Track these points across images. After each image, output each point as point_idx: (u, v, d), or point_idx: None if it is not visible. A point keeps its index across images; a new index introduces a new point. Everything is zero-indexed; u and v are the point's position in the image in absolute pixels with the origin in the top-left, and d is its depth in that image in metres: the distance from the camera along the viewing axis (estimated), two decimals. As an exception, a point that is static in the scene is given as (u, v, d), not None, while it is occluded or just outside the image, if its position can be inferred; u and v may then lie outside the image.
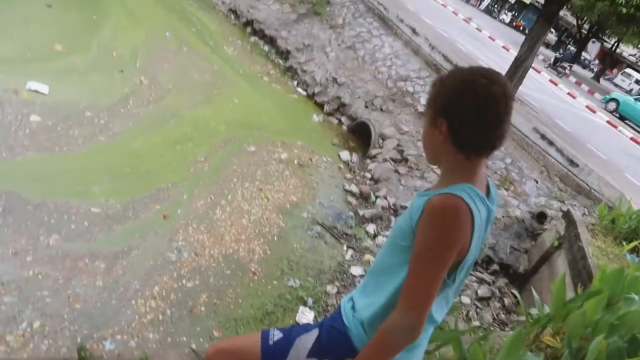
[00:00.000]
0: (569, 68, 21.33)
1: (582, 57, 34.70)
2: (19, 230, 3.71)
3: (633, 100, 18.19)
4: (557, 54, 24.03)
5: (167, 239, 4.37)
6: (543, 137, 7.98)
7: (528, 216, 6.71)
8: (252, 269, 4.55)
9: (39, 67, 5.71)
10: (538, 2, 40.51)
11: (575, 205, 6.85)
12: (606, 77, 37.51)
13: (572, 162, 7.52)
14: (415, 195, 1.42)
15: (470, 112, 1.28)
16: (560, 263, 5.22)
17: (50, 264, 3.61)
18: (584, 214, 6.63)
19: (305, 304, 4.44)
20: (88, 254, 3.83)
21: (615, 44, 34.56)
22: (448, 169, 1.37)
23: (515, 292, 5.41)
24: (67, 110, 5.25)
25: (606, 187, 7.08)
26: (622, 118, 17.96)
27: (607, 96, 19.54)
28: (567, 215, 5.83)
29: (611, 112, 17.89)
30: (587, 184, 7.23)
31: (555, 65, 21.76)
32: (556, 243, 5.58)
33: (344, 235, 5.77)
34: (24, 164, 4.32)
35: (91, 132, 5.14)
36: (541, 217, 6.65)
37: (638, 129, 17.58)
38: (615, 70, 43.61)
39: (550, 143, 7.84)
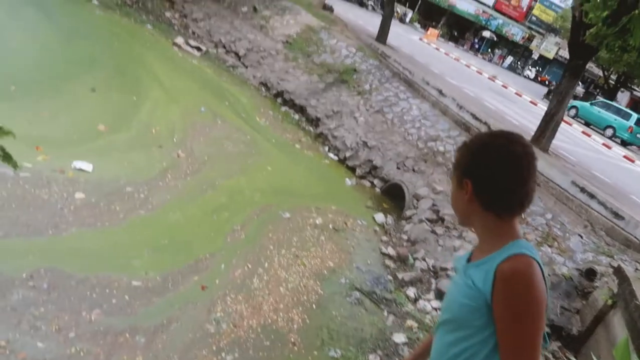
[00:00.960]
0: None
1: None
2: (62, 306, 3.76)
3: (588, 104, 21.69)
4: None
5: (206, 311, 4.34)
6: (583, 190, 7.76)
7: (576, 273, 6.39)
8: (292, 340, 4.43)
9: (84, 147, 6.02)
10: (561, 57, 40.90)
11: (625, 260, 6.51)
12: (640, 125, 36.67)
13: (617, 215, 7.24)
14: (465, 266, 1.38)
15: (493, 171, 1.31)
16: (617, 323, 4.89)
17: (92, 340, 3.61)
18: (637, 269, 6.27)
19: (348, 376, 4.26)
20: (128, 329, 3.83)
21: (646, 92, 34.07)
22: (487, 230, 1.37)
23: (572, 357, 5.08)
24: (109, 187, 5.45)
25: (657, 239, 6.75)
26: (587, 124, 20.94)
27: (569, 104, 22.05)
28: (618, 271, 5.53)
29: (573, 117, 20.89)
30: (635, 237, 6.90)
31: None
32: (610, 302, 5.26)
33: (384, 300, 5.61)
34: (68, 240, 4.45)
35: (131, 207, 5.29)
36: (590, 274, 6.32)
37: (596, 129, 20.54)
38: (648, 118, 42.63)
39: (592, 196, 7.61)
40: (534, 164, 1.31)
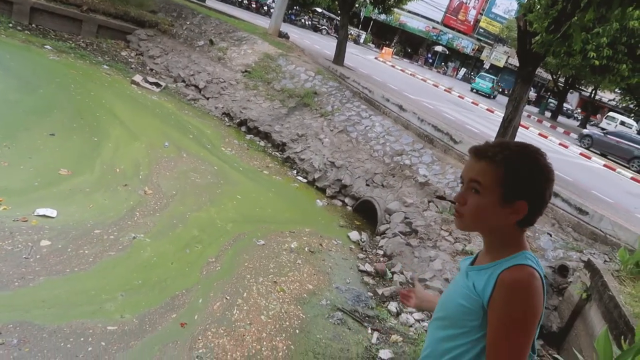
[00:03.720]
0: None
1: (565, 108, 35.80)
2: (35, 360, 3.59)
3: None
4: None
5: (187, 348, 4.22)
6: (546, 189, 8.00)
7: (550, 271, 6.55)
8: (278, 368, 4.35)
9: (46, 192, 5.85)
10: (511, 65, 42.56)
11: (594, 253, 6.72)
12: (591, 122, 38.49)
13: (581, 211, 7.49)
14: (468, 269, 1.42)
15: (547, 194, 1.36)
16: (594, 316, 5.02)
17: (70, 392, 3.45)
18: (606, 260, 6.47)
19: (338, 398, 4.20)
20: (108, 376, 3.68)
21: (593, 92, 35.81)
22: (501, 239, 1.39)
23: (556, 354, 5.16)
24: (76, 231, 5.29)
25: (621, 230, 7.00)
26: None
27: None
28: (589, 265, 5.70)
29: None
30: (601, 230, 7.14)
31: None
32: (585, 295, 5.41)
33: (367, 318, 5.59)
34: (36, 290, 4.27)
35: (101, 249, 5.15)
36: (563, 270, 6.49)
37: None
38: (599, 116, 44.81)
39: (556, 195, 7.85)
40: None
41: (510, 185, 1.33)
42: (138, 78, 12.12)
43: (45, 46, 11.88)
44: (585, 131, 21.70)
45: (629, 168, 17.87)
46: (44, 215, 5.31)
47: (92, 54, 13.13)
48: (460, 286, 1.39)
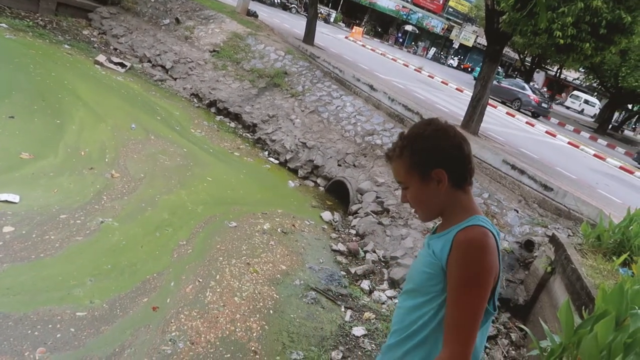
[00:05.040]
0: None
1: (531, 87, 36.41)
2: (1, 349, 3.50)
3: None
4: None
5: (160, 332, 4.19)
6: (513, 167, 8.19)
7: (516, 246, 6.74)
8: (253, 348, 4.37)
9: (7, 177, 5.63)
10: (480, 44, 43.00)
11: (558, 228, 6.94)
12: (557, 101, 39.37)
13: (546, 187, 7.70)
14: (429, 240, 1.50)
15: (456, 152, 1.44)
16: (558, 288, 5.20)
17: (39, 380, 3.39)
18: (569, 235, 6.70)
19: (312, 375, 4.26)
20: (78, 363, 3.62)
21: (559, 71, 36.59)
22: (451, 210, 1.48)
23: (522, 325, 5.35)
24: (41, 216, 5.14)
25: (584, 205, 7.24)
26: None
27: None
28: (553, 240, 5.88)
29: None
30: (565, 206, 7.37)
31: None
32: (549, 269, 5.59)
33: (340, 296, 5.65)
34: (0, 278, 4.14)
35: (68, 234, 5.02)
36: (529, 245, 6.69)
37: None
38: (564, 94, 45.90)
39: (522, 172, 8.05)
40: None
41: (417, 165, 1.45)
42: (102, 58, 11.71)
43: (1, 24, 11.32)
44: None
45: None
46: (5, 201, 5.13)
47: (52, 32, 12.59)
48: (424, 255, 1.47)
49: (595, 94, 34.35)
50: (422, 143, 1.44)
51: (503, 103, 23.21)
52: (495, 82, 22.61)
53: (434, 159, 1.42)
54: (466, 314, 1.27)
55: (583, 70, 30.89)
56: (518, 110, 22.78)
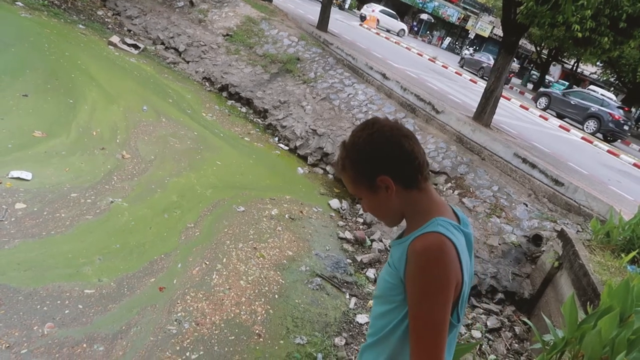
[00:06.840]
0: None
1: (547, 80, 35.98)
2: (10, 323, 3.58)
3: None
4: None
5: (166, 312, 4.25)
6: (525, 160, 8.12)
7: (524, 240, 6.71)
8: (257, 331, 4.42)
9: (20, 155, 5.70)
10: (496, 35, 42.39)
11: (567, 223, 6.89)
12: (573, 96, 38.69)
13: (557, 182, 7.63)
14: (392, 245, 1.42)
15: (396, 153, 1.33)
16: (564, 283, 5.18)
17: (47, 353, 3.46)
18: (578, 230, 6.65)
19: (315, 360, 4.31)
20: (85, 339, 3.69)
21: (575, 64, 36.01)
22: (410, 213, 1.39)
23: (526, 319, 5.34)
24: (52, 194, 5.20)
25: (594, 201, 7.17)
26: None
27: None
28: (562, 235, 5.85)
29: None
30: (575, 201, 7.31)
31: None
32: (556, 264, 5.56)
33: (345, 284, 5.68)
34: (12, 253, 4.22)
35: (78, 213, 5.08)
36: (537, 239, 6.65)
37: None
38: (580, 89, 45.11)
39: (533, 166, 7.98)
40: (405, 128, 1.39)
41: (360, 176, 1.39)
42: (115, 39, 11.73)
43: (17, 3, 11.36)
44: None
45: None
46: (18, 178, 5.20)
47: (67, 12, 12.62)
48: (387, 263, 1.41)
49: (612, 89, 33.76)
50: (359, 153, 1.37)
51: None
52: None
53: (374, 166, 1.35)
54: (428, 328, 1.20)
55: (600, 65, 30.39)
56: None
